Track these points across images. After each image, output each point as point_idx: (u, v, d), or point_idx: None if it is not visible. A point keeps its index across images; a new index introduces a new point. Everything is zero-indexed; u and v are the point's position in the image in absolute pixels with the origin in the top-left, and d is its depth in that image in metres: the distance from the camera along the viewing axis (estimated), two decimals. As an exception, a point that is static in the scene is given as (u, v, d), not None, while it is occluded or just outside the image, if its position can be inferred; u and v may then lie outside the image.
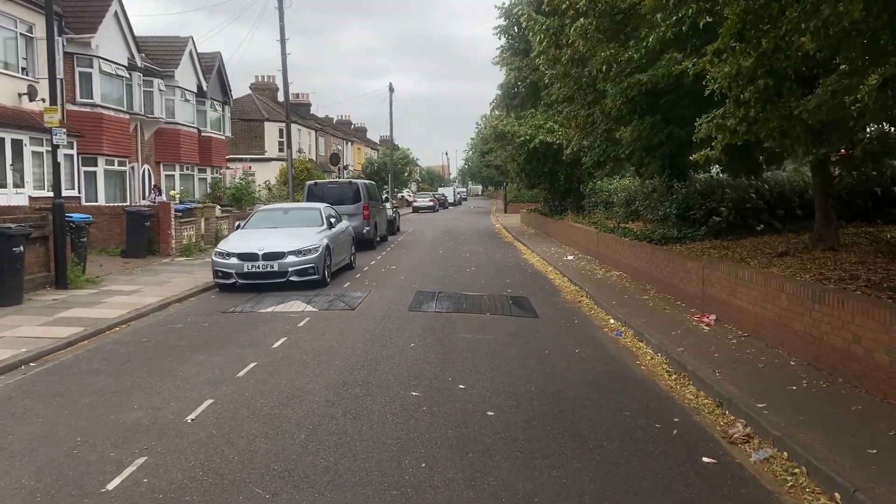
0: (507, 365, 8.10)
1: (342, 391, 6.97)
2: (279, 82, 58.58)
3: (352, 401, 6.66)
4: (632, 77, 10.89)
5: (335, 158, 53.24)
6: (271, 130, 49.07)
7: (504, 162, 32.09)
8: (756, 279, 8.96)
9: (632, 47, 11.41)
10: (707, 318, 10.34)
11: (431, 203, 62.68)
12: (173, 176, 31.34)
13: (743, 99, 7.11)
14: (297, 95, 65.38)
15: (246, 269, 13.53)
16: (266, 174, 43.37)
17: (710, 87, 7.88)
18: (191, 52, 31.93)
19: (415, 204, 63.04)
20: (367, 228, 22.49)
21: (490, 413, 6.32)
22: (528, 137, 26.79)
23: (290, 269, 13.61)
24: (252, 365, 7.98)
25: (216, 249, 14.25)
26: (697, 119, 12.50)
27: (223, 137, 36.81)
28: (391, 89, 55.91)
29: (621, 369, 8.11)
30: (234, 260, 13.61)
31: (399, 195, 67.81)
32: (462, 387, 7.15)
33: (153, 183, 29.24)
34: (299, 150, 52.82)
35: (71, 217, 14.49)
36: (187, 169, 32.41)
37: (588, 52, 11.64)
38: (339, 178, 45.36)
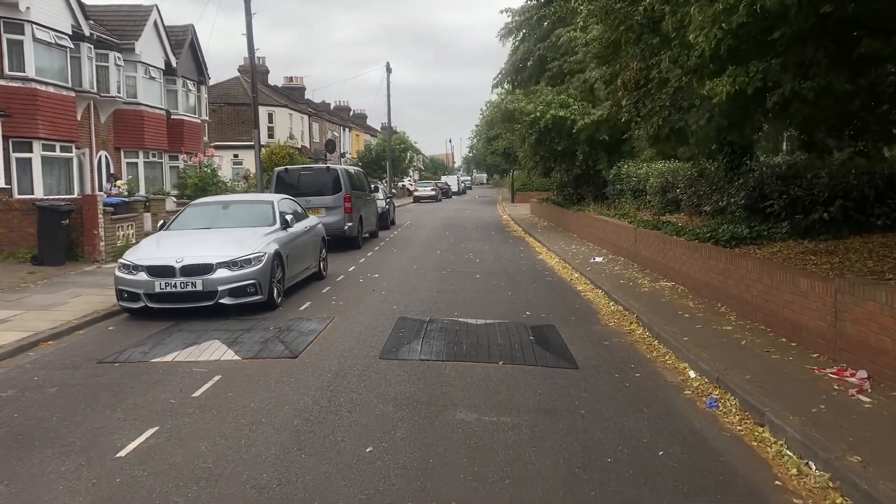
0: (541, 506, 4.21)
1: None
2: (268, 64, 55.13)
3: None
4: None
5: (331, 145, 49.12)
6: (260, 115, 45.15)
7: (511, 144, 27.97)
8: (980, 326, 5.04)
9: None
10: (852, 375, 6.45)
11: (433, 192, 58.63)
12: (136, 164, 27.43)
13: None
14: (291, 79, 61.52)
15: (158, 289, 9.58)
16: (254, 161, 39.57)
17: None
18: (155, 23, 27.89)
19: (416, 193, 59.03)
20: (350, 224, 18.59)
21: None
22: (538, 114, 22.87)
23: (220, 289, 9.65)
24: (41, 519, 4.11)
25: (120, 260, 10.23)
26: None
27: (198, 120, 32.84)
28: (388, 69, 51.86)
29: (761, 512, 4.21)
30: (142, 276, 9.67)
31: (400, 184, 63.77)
32: None
33: (110, 171, 25.40)
34: (290, 136, 48.82)
35: (-73, 217, 10.60)
36: (154, 156, 28.48)
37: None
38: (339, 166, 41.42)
